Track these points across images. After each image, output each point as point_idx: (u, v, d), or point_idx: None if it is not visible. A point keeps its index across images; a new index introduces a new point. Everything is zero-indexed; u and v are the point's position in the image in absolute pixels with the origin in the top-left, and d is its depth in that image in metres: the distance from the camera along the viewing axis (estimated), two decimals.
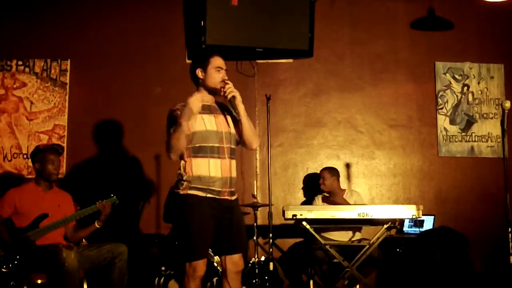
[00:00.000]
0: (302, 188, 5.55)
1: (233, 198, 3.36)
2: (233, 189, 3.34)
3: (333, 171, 5.13)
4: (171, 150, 3.20)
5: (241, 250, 3.34)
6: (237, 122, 3.37)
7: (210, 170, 3.22)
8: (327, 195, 5.07)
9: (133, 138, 5.42)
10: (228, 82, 3.30)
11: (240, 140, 3.41)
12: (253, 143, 3.42)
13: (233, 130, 3.37)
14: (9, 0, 5.52)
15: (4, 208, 3.94)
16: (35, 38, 5.51)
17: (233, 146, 3.35)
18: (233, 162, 3.34)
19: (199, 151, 3.23)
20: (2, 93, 5.45)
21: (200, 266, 3.18)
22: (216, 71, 3.31)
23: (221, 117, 3.36)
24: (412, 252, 1.78)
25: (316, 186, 5.24)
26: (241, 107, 3.29)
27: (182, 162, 3.28)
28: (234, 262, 3.30)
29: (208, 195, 3.22)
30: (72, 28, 5.54)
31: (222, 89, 3.28)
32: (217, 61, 3.33)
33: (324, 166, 5.41)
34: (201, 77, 3.33)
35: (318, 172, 5.33)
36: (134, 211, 5.30)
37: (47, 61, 5.49)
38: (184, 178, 3.24)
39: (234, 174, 3.33)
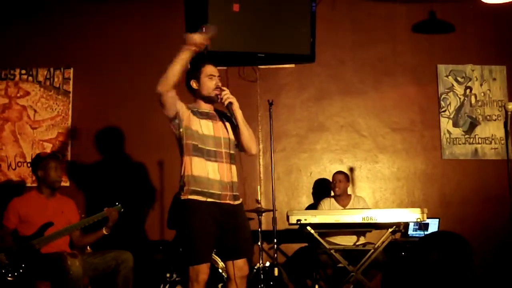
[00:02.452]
0: (312, 194, 5.55)
1: (236, 202, 3.34)
2: (235, 194, 3.34)
3: (348, 177, 5.16)
4: (161, 79, 3.13)
5: (246, 255, 3.34)
6: (235, 128, 3.38)
7: (208, 172, 3.23)
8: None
9: (136, 144, 5.43)
10: (224, 88, 3.31)
11: (239, 146, 3.42)
12: (251, 149, 3.43)
13: (232, 136, 3.38)
14: (12, 9, 5.56)
15: (10, 219, 3.95)
16: (38, 47, 5.54)
17: (232, 152, 3.36)
18: (233, 167, 3.35)
19: (197, 151, 3.25)
20: (6, 102, 5.47)
21: (203, 270, 3.17)
22: (209, 79, 3.33)
23: (219, 124, 3.37)
24: (411, 254, 1.80)
25: (321, 190, 5.25)
26: (238, 113, 3.31)
27: (181, 160, 3.30)
28: (239, 267, 3.29)
29: (209, 199, 3.22)
30: (74, 37, 5.57)
31: (219, 96, 3.30)
32: (208, 69, 3.35)
33: (328, 170, 5.43)
34: (196, 87, 3.36)
35: (321, 176, 5.35)
36: (138, 218, 5.30)
37: (50, 70, 5.52)
38: (184, 179, 3.25)
39: (235, 179, 3.34)
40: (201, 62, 3.41)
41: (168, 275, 4.48)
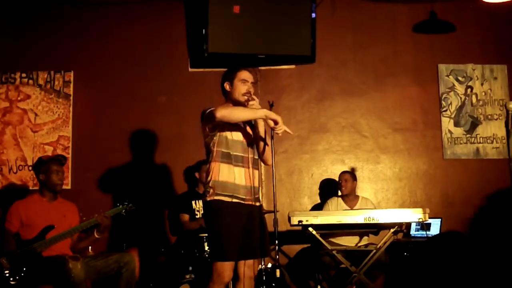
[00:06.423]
0: (319, 194, 5.54)
1: (258, 204, 3.44)
2: (257, 196, 3.43)
3: (354, 176, 5.14)
4: (225, 113, 3.20)
5: (263, 254, 3.52)
6: (257, 137, 3.47)
7: (235, 178, 3.32)
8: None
9: (138, 147, 5.42)
10: (254, 97, 3.37)
11: (259, 156, 3.50)
12: (269, 160, 3.50)
13: (255, 142, 3.48)
14: (12, 13, 5.56)
15: (12, 223, 3.95)
16: (38, 50, 5.54)
17: (256, 157, 3.45)
18: (256, 172, 3.43)
19: (225, 157, 3.32)
20: (7, 105, 5.48)
21: (228, 269, 3.22)
22: (242, 83, 3.41)
23: (246, 128, 3.46)
24: (425, 258, 1.78)
25: (328, 191, 5.24)
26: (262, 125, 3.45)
27: (208, 166, 3.36)
28: (250, 266, 3.38)
29: (234, 200, 3.30)
30: (75, 40, 5.57)
31: (247, 102, 3.36)
32: (243, 74, 3.44)
33: (329, 171, 5.42)
34: (228, 90, 3.45)
35: (323, 177, 5.33)
36: (141, 220, 5.29)
37: (51, 73, 5.52)
38: (210, 184, 3.31)
39: (256, 184, 3.42)
40: (237, 66, 3.50)
41: (187, 276, 4.44)
